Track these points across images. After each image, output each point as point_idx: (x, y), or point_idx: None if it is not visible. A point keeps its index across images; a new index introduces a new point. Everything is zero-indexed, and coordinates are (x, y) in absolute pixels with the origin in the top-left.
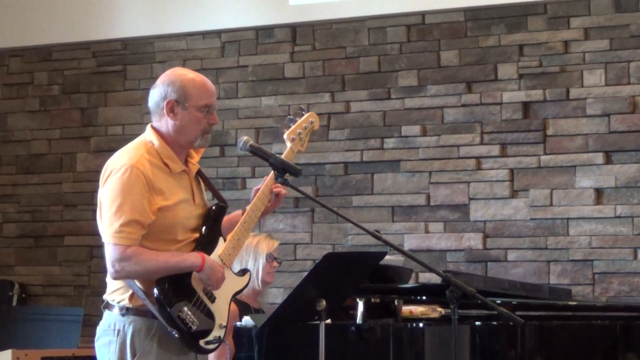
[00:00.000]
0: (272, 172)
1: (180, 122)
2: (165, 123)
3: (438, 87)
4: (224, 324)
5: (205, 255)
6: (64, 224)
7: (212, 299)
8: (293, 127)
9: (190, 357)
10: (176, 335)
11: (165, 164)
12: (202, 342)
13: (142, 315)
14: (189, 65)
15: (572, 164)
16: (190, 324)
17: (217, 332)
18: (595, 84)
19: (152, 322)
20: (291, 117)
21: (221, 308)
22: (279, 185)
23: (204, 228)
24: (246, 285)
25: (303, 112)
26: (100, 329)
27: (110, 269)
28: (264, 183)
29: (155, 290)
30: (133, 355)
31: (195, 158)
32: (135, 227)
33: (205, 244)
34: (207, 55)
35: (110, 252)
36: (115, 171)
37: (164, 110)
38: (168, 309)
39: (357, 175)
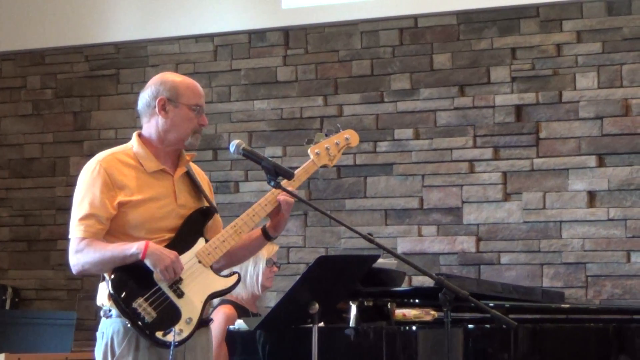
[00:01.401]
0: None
1: (171, 119)
2: (155, 122)
3: (431, 91)
4: (194, 319)
5: (151, 243)
6: (57, 227)
7: (179, 293)
8: (322, 141)
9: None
10: (129, 326)
11: (140, 163)
12: (158, 334)
13: (121, 316)
14: (182, 69)
15: (565, 167)
16: (145, 315)
17: (180, 326)
18: (588, 87)
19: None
20: (320, 133)
21: (191, 303)
22: (283, 193)
23: (181, 227)
24: (232, 287)
25: (333, 131)
26: (97, 333)
27: (70, 262)
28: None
29: (109, 281)
30: (112, 356)
31: (187, 161)
32: (92, 220)
33: (179, 243)
34: (200, 59)
35: (69, 246)
36: (84, 170)
37: (156, 108)
38: (119, 300)
39: (350, 178)
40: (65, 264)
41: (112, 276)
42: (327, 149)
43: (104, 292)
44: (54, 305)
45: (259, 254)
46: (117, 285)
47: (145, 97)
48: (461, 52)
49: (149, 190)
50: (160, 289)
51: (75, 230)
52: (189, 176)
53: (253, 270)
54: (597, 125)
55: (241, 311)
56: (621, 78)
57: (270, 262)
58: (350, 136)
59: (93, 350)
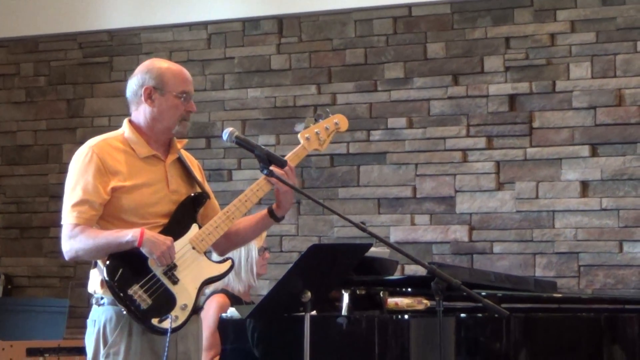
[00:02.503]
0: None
1: (157, 108)
2: (143, 111)
3: (424, 80)
4: (189, 305)
5: (146, 230)
6: (49, 215)
7: (174, 280)
8: (312, 126)
9: (168, 342)
10: (124, 313)
11: (132, 149)
12: (154, 321)
13: (114, 304)
14: (176, 57)
15: (558, 156)
16: (140, 302)
17: (176, 312)
18: (582, 77)
19: (122, 310)
20: (310, 118)
21: (186, 290)
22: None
23: (174, 213)
24: (225, 273)
25: (323, 116)
26: (88, 321)
27: (62, 248)
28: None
29: (103, 268)
30: (105, 344)
31: (178, 148)
32: (85, 206)
33: (173, 229)
34: (194, 47)
35: (62, 232)
36: (75, 156)
37: (142, 97)
38: (115, 287)
39: (343, 167)
40: (58, 252)
41: (107, 263)
42: (317, 133)
43: (96, 279)
44: (47, 292)
45: (249, 245)
46: (111, 272)
47: (132, 85)
48: (455, 41)
49: (141, 175)
50: (155, 275)
51: (69, 216)
52: (181, 162)
53: (246, 263)
54: (591, 115)
55: (234, 300)
56: (615, 68)
57: (262, 250)
58: (339, 121)
59: (84, 338)
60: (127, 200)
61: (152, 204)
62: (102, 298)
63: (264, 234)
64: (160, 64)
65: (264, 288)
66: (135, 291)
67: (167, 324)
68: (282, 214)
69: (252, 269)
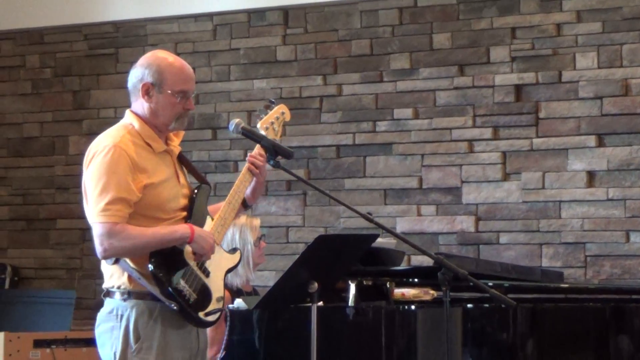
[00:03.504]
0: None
1: (154, 105)
2: (141, 105)
3: (430, 70)
4: (221, 297)
5: (195, 226)
6: (56, 206)
7: (207, 273)
8: (265, 117)
9: (192, 336)
10: (175, 308)
11: (148, 144)
12: (201, 314)
13: (144, 298)
14: (181, 48)
15: (564, 146)
16: (188, 296)
17: (215, 305)
18: (588, 67)
19: (154, 305)
20: (262, 109)
21: (217, 282)
22: (251, 157)
23: (191, 207)
24: (238, 263)
25: (273, 105)
26: (101, 314)
27: (98, 247)
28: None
29: (150, 265)
30: (137, 339)
31: (176, 141)
32: (122, 204)
33: (194, 224)
34: (199, 38)
35: (98, 231)
36: (99, 152)
37: (140, 92)
38: (165, 282)
39: (349, 158)
40: (64, 243)
41: (152, 259)
42: (272, 123)
43: (120, 274)
44: (53, 284)
45: (245, 238)
46: (159, 268)
47: (132, 77)
48: (461, 31)
49: (161, 171)
50: (192, 269)
51: (104, 215)
52: (180, 155)
53: (243, 257)
54: (597, 105)
55: (236, 292)
56: (621, 58)
57: (257, 241)
58: (285, 111)
59: (92, 329)
60: (153, 197)
61: (172, 199)
62: (129, 293)
63: (257, 222)
64: (162, 60)
65: (270, 279)
66: (183, 285)
67: (212, 318)
68: (253, 201)
69: (249, 263)
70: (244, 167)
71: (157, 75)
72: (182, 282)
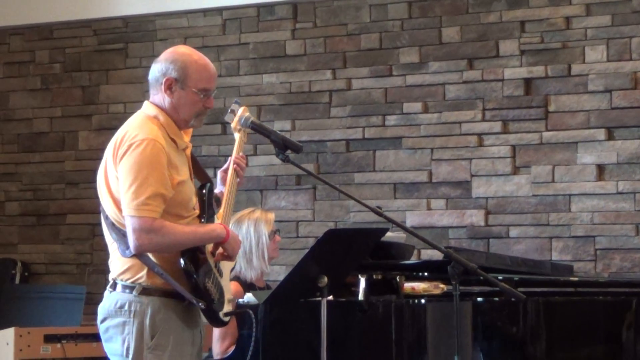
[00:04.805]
0: (235, 147)
1: (176, 100)
2: (162, 99)
3: (439, 64)
4: (231, 298)
5: (227, 226)
6: (66, 202)
7: (221, 273)
8: (235, 119)
9: (198, 333)
10: (202, 307)
11: (173, 140)
12: (221, 314)
13: (159, 294)
14: (191, 43)
15: (574, 140)
16: (214, 296)
17: (228, 306)
18: (597, 60)
19: (168, 301)
20: (232, 109)
21: (227, 283)
22: (235, 159)
23: (203, 205)
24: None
25: (237, 106)
26: (106, 309)
27: (134, 242)
28: (230, 160)
29: (182, 261)
30: (152, 336)
31: (186, 138)
32: (160, 200)
33: (208, 221)
34: (208, 33)
35: (135, 225)
36: (136, 145)
37: (162, 86)
38: (195, 279)
39: (358, 152)
40: (74, 238)
41: (185, 256)
42: (242, 126)
43: (137, 268)
44: (64, 279)
45: (260, 231)
46: (190, 265)
47: (155, 71)
48: (470, 25)
49: (184, 169)
50: (213, 269)
51: (145, 209)
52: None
53: (257, 249)
54: (606, 99)
55: (247, 287)
56: (630, 51)
57: (272, 234)
58: (248, 114)
59: (108, 326)
60: (181, 194)
61: (191, 197)
62: (145, 288)
63: (272, 216)
64: (188, 56)
65: (280, 274)
66: (210, 285)
67: (227, 318)
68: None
69: (263, 255)
70: (230, 170)
71: (181, 71)
72: (209, 282)
